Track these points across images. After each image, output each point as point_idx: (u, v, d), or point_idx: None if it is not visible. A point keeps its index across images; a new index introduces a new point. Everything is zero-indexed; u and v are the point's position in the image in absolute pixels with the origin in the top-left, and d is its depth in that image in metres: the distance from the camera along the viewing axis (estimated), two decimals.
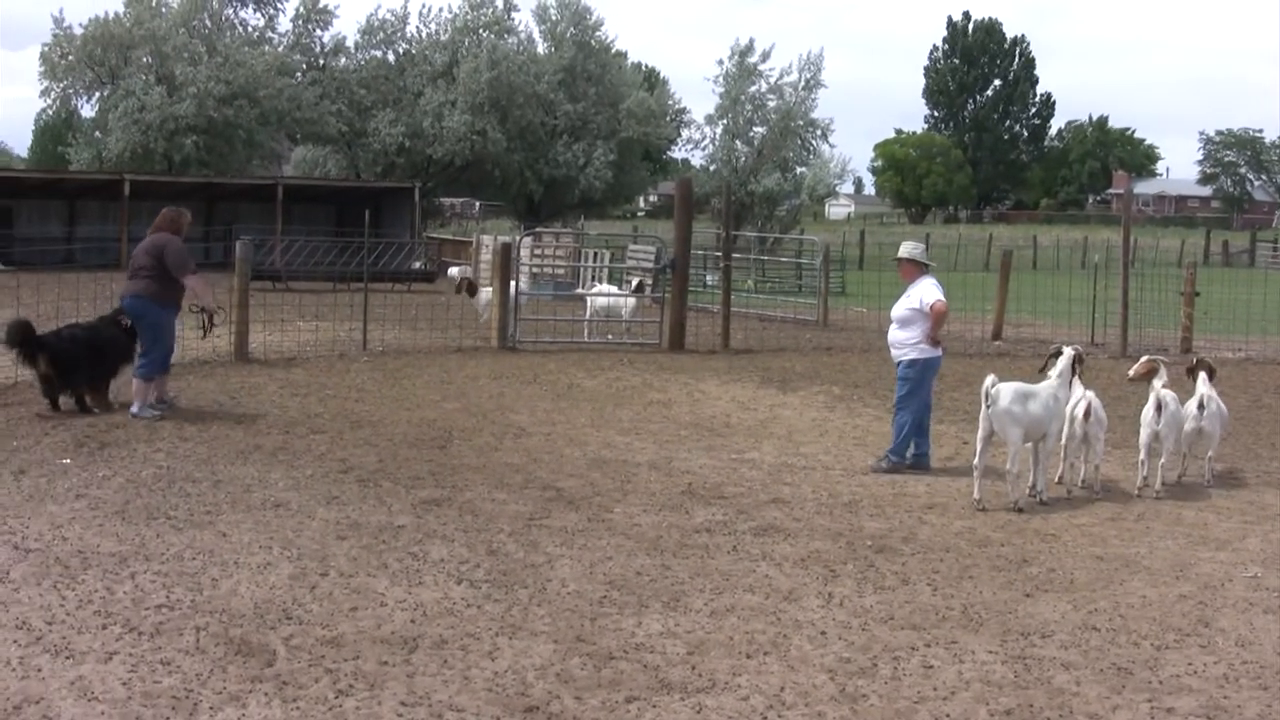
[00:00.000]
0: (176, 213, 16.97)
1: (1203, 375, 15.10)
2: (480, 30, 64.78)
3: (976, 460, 13.31)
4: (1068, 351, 14.07)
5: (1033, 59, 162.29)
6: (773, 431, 17.00)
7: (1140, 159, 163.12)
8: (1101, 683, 8.13)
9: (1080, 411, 13.73)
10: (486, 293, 28.33)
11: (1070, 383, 13.89)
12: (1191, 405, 14.59)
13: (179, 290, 16.56)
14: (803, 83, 66.85)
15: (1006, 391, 13.12)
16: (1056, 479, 14.15)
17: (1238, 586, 10.46)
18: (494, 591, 9.57)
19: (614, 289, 31.04)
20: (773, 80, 67.22)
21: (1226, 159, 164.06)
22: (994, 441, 13.38)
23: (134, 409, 16.12)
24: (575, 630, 8.75)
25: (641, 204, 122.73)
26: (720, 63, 67.74)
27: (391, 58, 65.44)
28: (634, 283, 29.52)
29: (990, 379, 13.08)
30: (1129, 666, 8.45)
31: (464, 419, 17.02)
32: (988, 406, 13.07)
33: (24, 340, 16.02)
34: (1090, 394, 13.91)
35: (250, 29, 62.88)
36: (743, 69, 66.41)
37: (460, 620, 8.88)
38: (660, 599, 9.53)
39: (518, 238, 34.55)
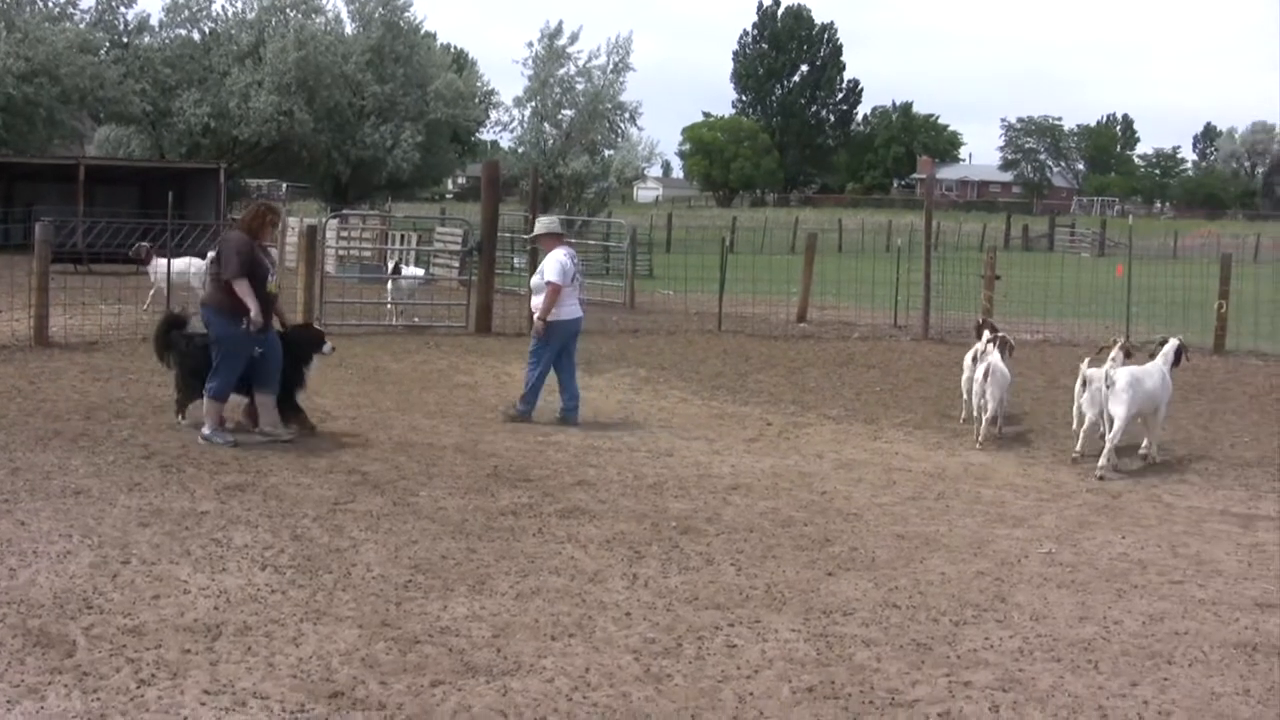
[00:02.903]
0: (255, 208, 15.00)
1: (991, 346, 16.71)
2: (287, 9, 63.94)
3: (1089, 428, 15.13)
4: (1173, 341, 16.09)
5: (840, 45, 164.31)
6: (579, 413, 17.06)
7: (944, 145, 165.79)
8: (901, 658, 8.28)
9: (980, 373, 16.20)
10: (163, 265, 27.85)
11: (1172, 366, 15.85)
12: (979, 370, 16.34)
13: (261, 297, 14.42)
14: (611, 66, 66.96)
15: (1124, 375, 14.77)
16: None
17: (1033, 562, 10.71)
18: (298, 577, 9.51)
19: (420, 271, 31.08)
20: (581, 63, 67.26)
21: (1027, 146, 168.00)
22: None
23: (204, 431, 14.32)
24: (380, 615, 8.72)
25: (450, 186, 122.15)
26: (529, 45, 67.72)
27: (197, 36, 64.27)
28: (390, 265, 29.56)
29: (1102, 368, 14.90)
30: (928, 642, 8.61)
31: None
32: (1108, 387, 14.64)
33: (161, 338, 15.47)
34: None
35: (51, 5, 61.31)
36: (551, 51, 66.32)
37: (264, 606, 8.81)
38: (466, 582, 9.53)
39: (324, 220, 34.25)
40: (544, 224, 17.38)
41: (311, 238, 25.71)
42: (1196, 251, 61.82)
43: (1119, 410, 14.66)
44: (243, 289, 14.08)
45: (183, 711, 7.07)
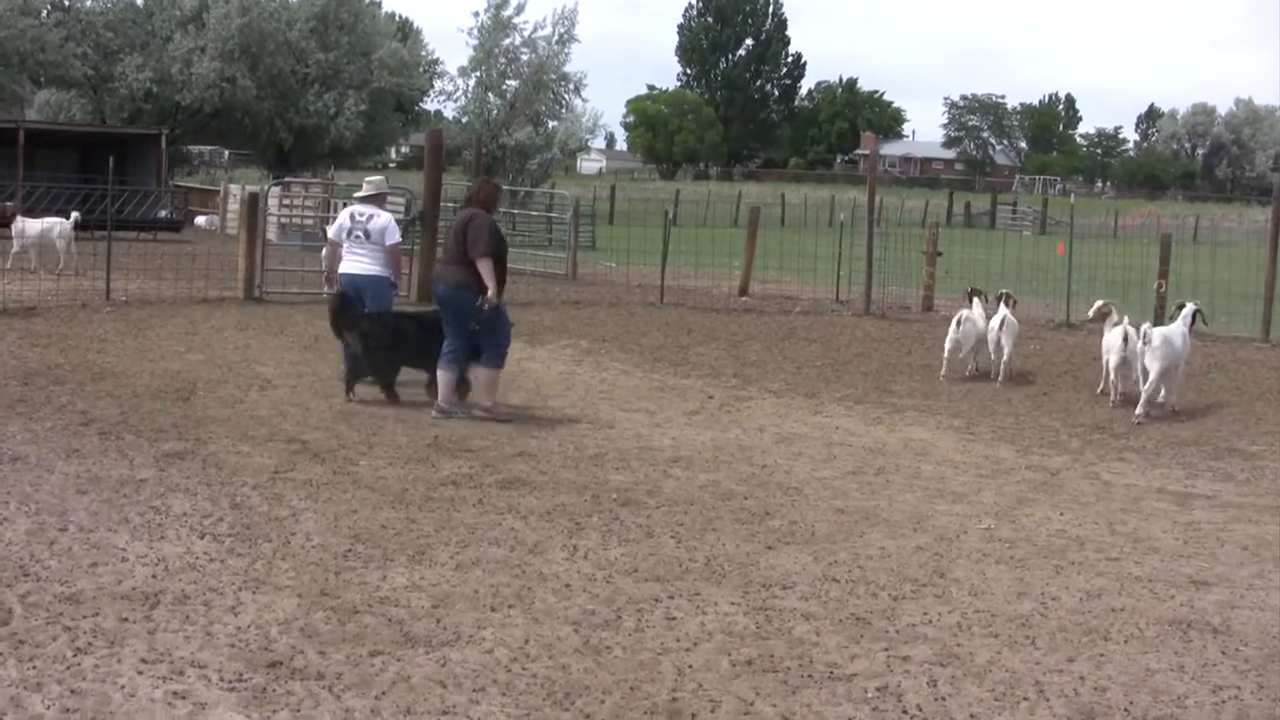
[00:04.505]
0: (489, 185, 15.55)
1: (1002, 304, 19.85)
2: None
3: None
4: (1190, 305, 18.15)
5: (785, 19, 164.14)
6: (520, 385, 17.02)
7: (888, 121, 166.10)
8: (840, 633, 8.31)
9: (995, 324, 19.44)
10: (30, 224, 27.83)
11: (1191, 329, 18.10)
12: (994, 322, 19.54)
13: (501, 274, 14.73)
14: (556, 37, 66.90)
15: (1158, 334, 16.94)
16: None
17: (972, 538, 10.76)
18: (237, 545, 9.47)
19: None
20: (526, 33, 67.12)
21: (970, 123, 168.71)
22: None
23: (486, 403, 14.80)
24: (319, 584, 8.70)
25: (393, 155, 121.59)
26: (475, 15, 67.41)
27: (139, 1, 63.87)
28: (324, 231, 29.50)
29: (1143, 328, 17.19)
30: (867, 616, 8.64)
31: (208, 371, 16.79)
32: (1144, 344, 16.78)
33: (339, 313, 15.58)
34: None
35: None
36: (497, 21, 66.12)
37: (203, 575, 8.77)
38: (405, 552, 9.51)
39: (265, 187, 34.06)
40: (374, 184, 17.31)
41: (253, 205, 25.58)
42: (1137, 231, 62.32)
43: (1154, 365, 16.72)
44: (486, 268, 14.44)
45: (120, 680, 7.04)
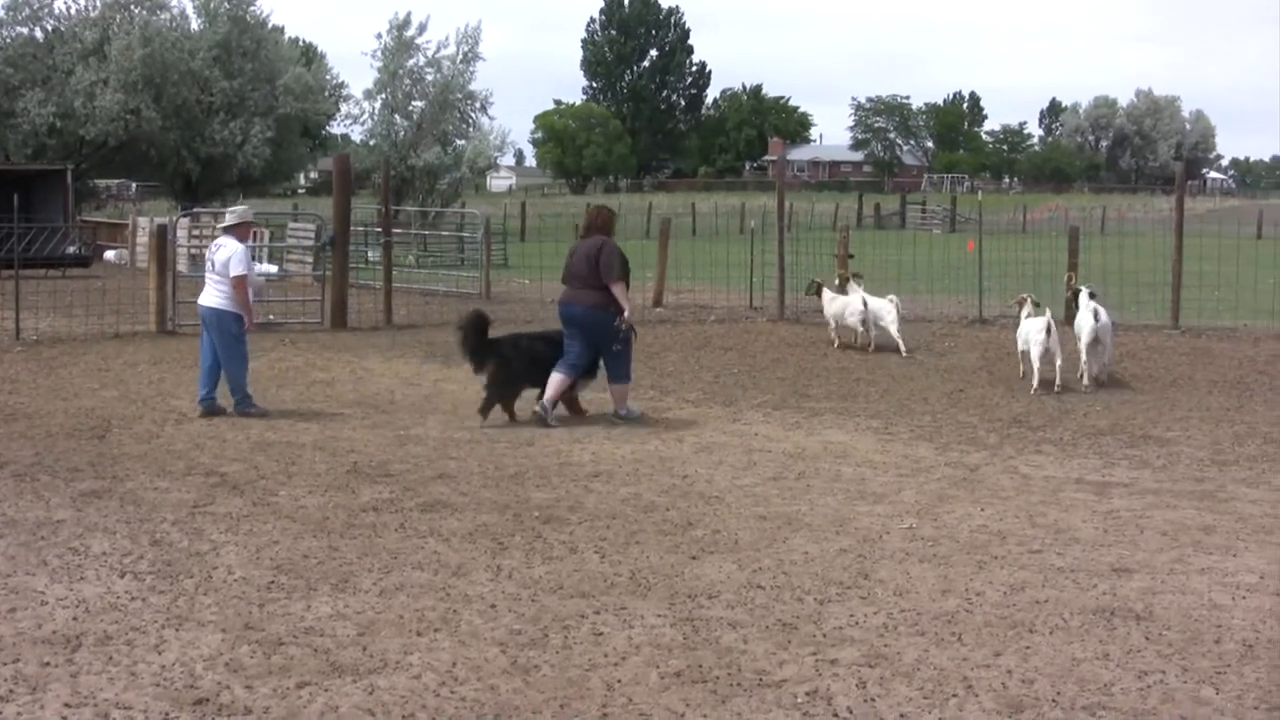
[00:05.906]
0: (607, 213, 16.71)
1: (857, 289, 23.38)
2: (131, 6, 62.96)
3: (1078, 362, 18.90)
4: (1084, 289, 19.54)
5: (688, 29, 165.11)
6: (438, 406, 17.00)
7: (794, 126, 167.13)
8: (768, 639, 8.33)
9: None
10: None
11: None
12: (888, 303, 22.65)
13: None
14: (460, 56, 66.71)
15: (1104, 312, 18.82)
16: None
17: (894, 538, 10.82)
18: (159, 583, 9.39)
19: (273, 268, 30.83)
20: (431, 54, 66.97)
21: (877, 125, 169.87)
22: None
23: (622, 411, 16.17)
24: (243, 618, 8.64)
25: (302, 181, 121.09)
26: (378, 37, 67.21)
27: (39, 35, 63.16)
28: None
29: (1092, 307, 18.69)
30: (793, 622, 8.67)
31: (123, 406, 16.66)
32: (1096, 321, 18.39)
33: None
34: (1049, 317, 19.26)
35: None
36: (400, 43, 65.91)
37: (125, 614, 8.69)
38: (328, 581, 9.46)
39: (174, 218, 33.80)
40: (236, 213, 17.40)
41: (162, 237, 25.41)
42: (1045, 225, 62.89)
43: (1106, 338, 18.82)
44: (621, 291, 15.80)
45: None
